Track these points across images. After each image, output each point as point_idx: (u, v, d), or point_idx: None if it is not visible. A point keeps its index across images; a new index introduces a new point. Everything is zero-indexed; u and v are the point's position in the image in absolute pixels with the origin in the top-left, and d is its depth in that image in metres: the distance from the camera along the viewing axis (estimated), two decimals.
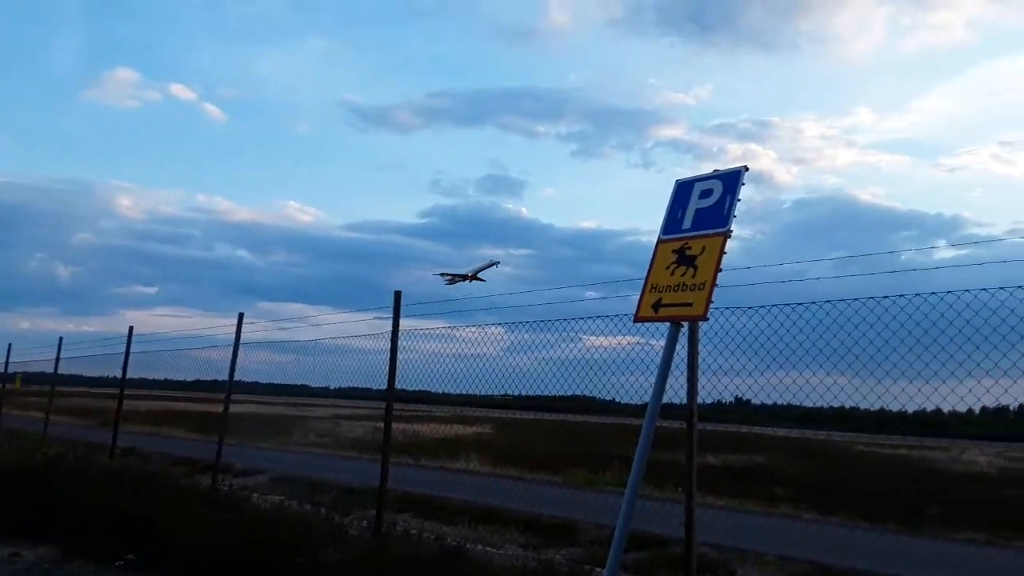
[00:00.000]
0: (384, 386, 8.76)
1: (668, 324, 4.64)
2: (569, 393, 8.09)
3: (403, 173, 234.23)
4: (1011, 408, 5.76)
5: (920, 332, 4.91)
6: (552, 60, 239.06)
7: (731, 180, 4.64)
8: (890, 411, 5.70)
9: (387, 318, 8.86)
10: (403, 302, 8.73)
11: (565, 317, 8.05)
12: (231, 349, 11.89)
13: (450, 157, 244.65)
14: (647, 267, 4.86)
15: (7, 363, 27.82)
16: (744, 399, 6.70)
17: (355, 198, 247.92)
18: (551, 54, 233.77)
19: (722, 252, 4.43)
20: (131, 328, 15.56)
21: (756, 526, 11.65)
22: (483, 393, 8.90)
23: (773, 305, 5.72)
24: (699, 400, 5.66)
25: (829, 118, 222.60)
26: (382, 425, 8.78)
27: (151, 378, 19.18)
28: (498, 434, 33.28)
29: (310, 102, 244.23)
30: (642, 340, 6.61)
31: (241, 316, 11.89)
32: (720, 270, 4.39)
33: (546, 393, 8.21)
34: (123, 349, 15.65)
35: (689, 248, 4.62)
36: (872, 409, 5.76)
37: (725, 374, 6.06)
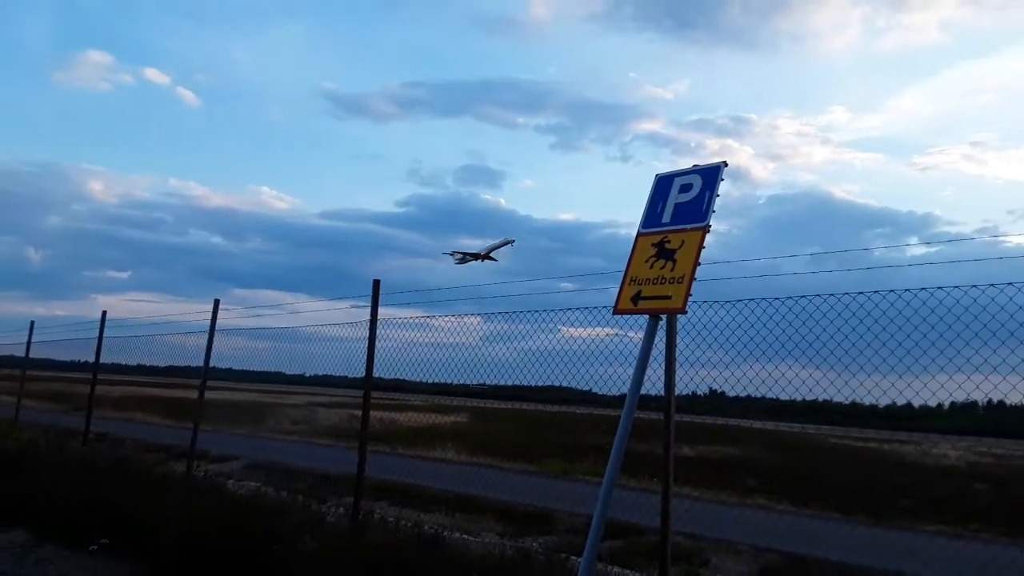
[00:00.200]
0: (360, 374, 8.74)
1: (647, 317, 4.68)
2: (546, 383, 8.12)
3: (381, 162, 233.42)
4: (980, 403, 5.87)
5: (894, 328, 4.99)
6: (532, 53, 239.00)
7: (710, 175, 4.67)
8: (862, 404, 5.78)
9: (365, 307, 8.84)
10: (381, 291, 8.72)
11: (542, 308, 8.06)
12: (206, 335, 11.80)
13: (428, 147, 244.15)
14: (625, 260, 4.88)
15: None
16: (719, 391, 6.76)
17: (332, 186, 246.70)
18: (531, 47, 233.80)
19: (701, 246, 4.46)
20: (104, 313, 15.38)
21: (730, 517, 11.78)
22: (460, 382, 8.90)
23: (750, 299, 5.78)
24: (675, 392, 5.70)
25: (805, 116, 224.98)
26: (357, 413, 8.77)
27: (124, 363, 18.94)
28: (475, 423, 33.35)
29: (286, 88, 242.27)
30: (619, 332, 6.65)
31: (217, 302, 11.79)
32: (699, 264, 4.43)
33: (523, 383, 8.24)
34: (95, 334, 15.48)
35: (668, 242, 4.65)
36: (844, 402, 5.84)
37: (703, 366, 6.12)
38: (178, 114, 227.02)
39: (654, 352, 4.76)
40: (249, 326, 12.51)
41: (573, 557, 6.85)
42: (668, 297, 4.46)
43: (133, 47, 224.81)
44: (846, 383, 5.36)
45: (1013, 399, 4.75)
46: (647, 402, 5.31)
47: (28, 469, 9.48)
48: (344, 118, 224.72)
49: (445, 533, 8.08)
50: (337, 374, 11.01)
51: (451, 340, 8.76)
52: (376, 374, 8.66)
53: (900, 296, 4.96)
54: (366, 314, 8.73)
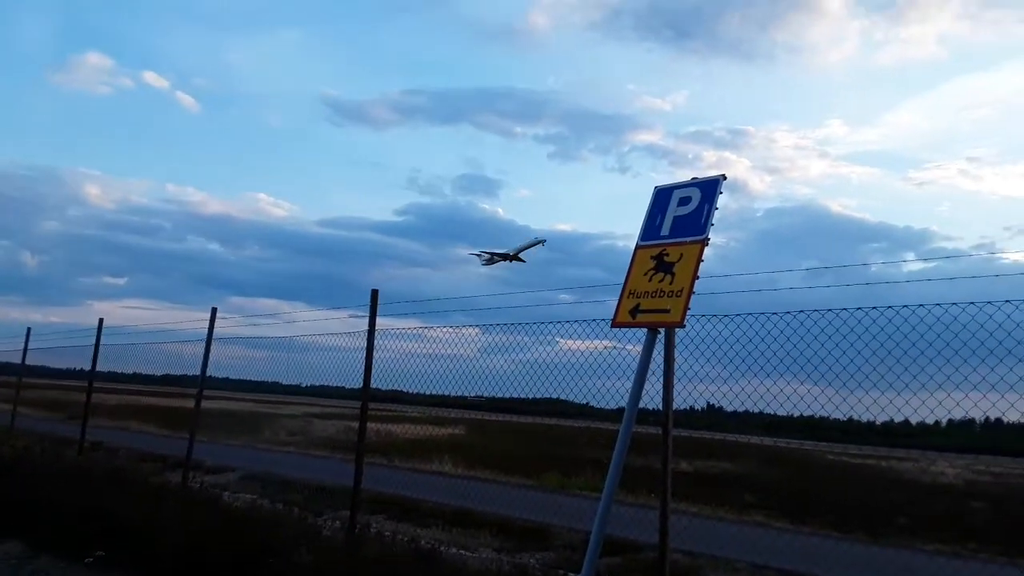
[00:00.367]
0: (357, 385, 8.72)
1: (645, 330, 4.67)
2: (542, 396, 8.10)
3: (379, 169, 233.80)
4: (978, 421, 5.86)
5: (891, 344, 4.99)
6: (531, 62, 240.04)
7: (709, 188, 4.68)
8: (859, 421, 5.77)
9: (363, 316, 8.83)
10: (379, 301, 8.71)
11: (540, 320, 8.06)
12: (203, 344, 11.78)
13: (427, 155, 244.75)
14: (622, 271, 4.89)
15: None
16: (716, 406, 6.76)
17: (330, 193, 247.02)
18: (530, 56, 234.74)
19: (700, 259, 4.47)
20: (101, 320, 15.38)
21: (728, 533, 11.72)
22: (457, 394, 8.88)
23: (748, 314, 5.78)
24: (673, 406, 5.69)
25: (803, 129, 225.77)
26: (354, 424, 8.74)
27: (120, 371, 18.90)
28: (472, 436, 33.24)
29: (285, 94, 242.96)
30: (617, 344, 6.64)
31: (214, 311, 11.78)
32: (697, 277, 4.43)
33: (520, 395, 8.22)
34: (92, 341, 15.45)
35: (667, 255, 4.65)
36: (842, 419, 5.83)
37: (701, 381, 6.12)
38: (177, 118, 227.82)
39: (652, 366, 4.76)
40: (247, 335, 12.50)
41: (571, 574, 6.82)
42: (667, 311, 4.46)
43: (133, 50, 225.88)
44: (843, 400, 5.36)
45: (1011, 417, 4.75)
46: (644, 416, 5.31)
47: (23, 478, 9.43)
48: (343, 124, 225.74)
49: (442, 548, 8.04)
50: (334, 384, 11.00)
51: (449, 351, 8.75)
52: (373, 385, 8.64)
53: (898, 312, 4.97)
54: (364, 324, 8.73)
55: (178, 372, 14.07)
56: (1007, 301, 4.52)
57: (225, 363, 12.67)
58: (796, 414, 5.82)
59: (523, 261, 58.06)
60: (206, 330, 11.75)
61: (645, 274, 4.70)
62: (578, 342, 7.43)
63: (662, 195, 4.95)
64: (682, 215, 4.72)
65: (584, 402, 8.09)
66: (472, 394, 8.79)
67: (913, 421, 5.17)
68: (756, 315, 5.70)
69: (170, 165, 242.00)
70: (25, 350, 21.20)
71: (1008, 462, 43.43)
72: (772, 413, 5.95)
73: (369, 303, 8.67)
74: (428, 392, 9.34)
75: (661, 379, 5.61)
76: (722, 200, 4.60)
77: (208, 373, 11.86)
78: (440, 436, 29.20)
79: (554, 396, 8.09)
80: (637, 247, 4.88)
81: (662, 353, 5.62)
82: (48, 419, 24.28)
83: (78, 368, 19.38)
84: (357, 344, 8.90)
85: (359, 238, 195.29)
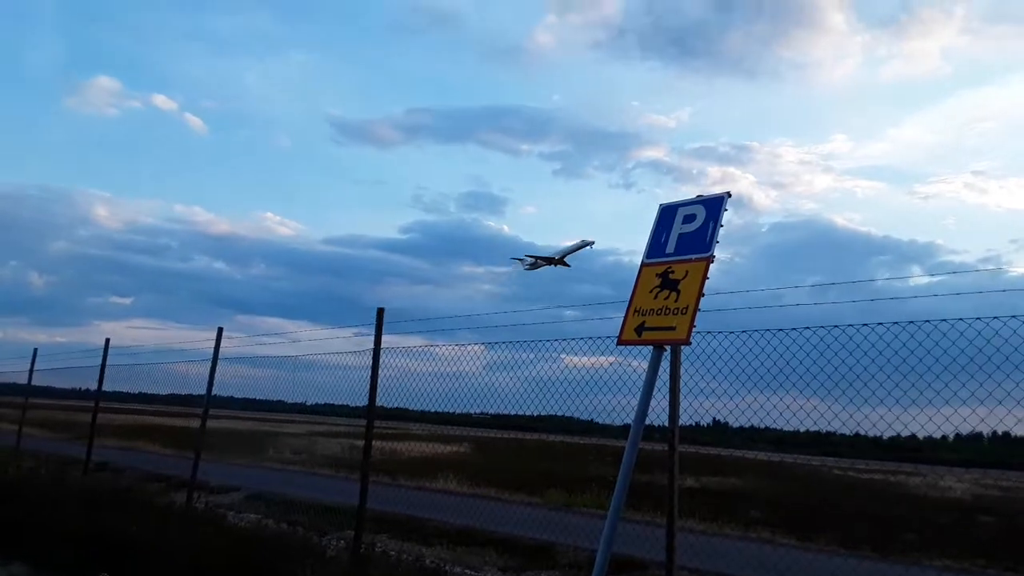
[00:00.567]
0: (362, 403, 8.71)
1: (651, 347, 4.67)
2: (547, 413, 8.09)
3: (384, 188, 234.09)
4: (985, 435, 5.84)
5: (898, 360, 4.98)
6: (536, 80, 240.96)
7: (714, 206, 4.69)
8: (866, 436, 5.75)
9: (368, 335, 8.84)
10: (384, 319, 8.72)
11: (545, 339, 8.05)
12: (208, 363, 11.78)
13: (432, 173, 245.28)
14: (626, 287, 4.90)
15: None
16: (722, 422, 6.73)
17: (336, 212, 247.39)
18: (535, 74, 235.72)
19: (705, 277, 4.47)
20: (107, 340, 15.41)
21: (734, 550, 11.65)
22: (462, 411, 8.87)
23: (754, 331, 5.77)
24: (679, 422, 5.68)
25: (807, 144, 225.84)
26: (358, 443, 8.72)
27: (125, 391, 18.91)
28: (477, 453, 33.13)
29: (291, 115, 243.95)
30: (622, 360, 6.63)
31: (220, 331, 11.79)
32: (703, 295, 4.43)
33: (525, 412, 8.21)
34: (98, 362, 15.47)
35: (672, 272, 4.65)
36: (848, 434, 5.81)
37: (707, 397, 6.10)
38: (185, 140, 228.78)
39: (657, 383, 4.75)
40: (252, 354, 12.49)
41: None
42: (672, 328, 4.46)
43: (142, 73, 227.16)
44: (851, 416, 5.34)
45: (1019, 431, 4.73)
46: (650, 432, 5.30)
47: (29, 499, 9.42)
48: (348, 144, 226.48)
49: (447, 567, 8.00)
50: (339, 403, 10.99)
51: (454, 369, 8.75)
52: (378, 402, 8.64)
53: (904, 328, 4.96)
54: (369, 342, 8.74)
55: (183, 391, 14.06)
56: (1013, 316, 4.52)
57: (230, 382, 12.65)
58: (802, 429, 5.80)
59: (568, 266, 54.30)
60: (212, 349, 11.76)
61: (651, 291, 4.70)
62: (583, 358, 7.43)
63: (667, 213, 4.96)
64: (687, 233, 4.73)
65: (588, 418, 8.07)
66: (477, 411, 8.78)
67: (920, 436, 5.15)
68: (763, 332, 5.70)
69: (178, 186, 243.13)
70: (31, 371, 21.25)
71: (1016, 476, 43.10)
72: (778, 428, 5.93)
73: (375, 321, 8.68)
74: (433, 409, 9.33)
75: (667, 396, 5.60)
76: (727, 215, 4.61)
77: (213, 392, 11.86)
78: (445, 454, 29.12)
79: (559, 413, 8.07)
80: (642, 265, 4.89)
81: (668, 370, 5.62)
82: (54, 439, 24.24)
83: (84, 388, 19.42)
84: (362, 362, 8.91)
85: (364, 256, 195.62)
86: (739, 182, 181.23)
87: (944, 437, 5.23)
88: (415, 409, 9.75)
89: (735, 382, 5.94)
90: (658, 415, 5.48)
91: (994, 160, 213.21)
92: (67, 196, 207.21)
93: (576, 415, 8.09)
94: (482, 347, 8.95)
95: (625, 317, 4.79)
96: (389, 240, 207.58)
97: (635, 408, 4.61)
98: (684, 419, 5.79)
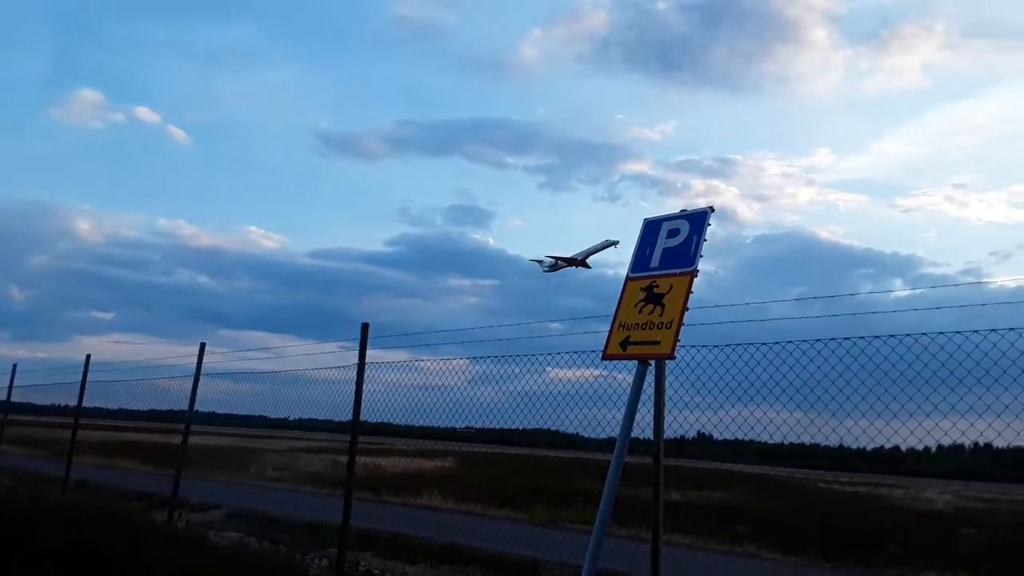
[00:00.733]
0: (345, 418, 8.65)
1: (635, 361, 4.68)
2: (532, 427, 8.06)
3: (370, 201, 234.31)
4: (967, 447, 5.89)
5: (879, 374, 5.01)
6: (521, 94, 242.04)
7: (698, 220, 4.72)
8: (849, 448, 5.77)
9: (352, 349, 8.79)
10: (369, 334, 8.68)
11: (530, 353, 8.03)
12: (190, 379, 11.67)
13: (418, 186, 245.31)
14: (609, 300, 4.92)
15: None
16: (707, 434, 6.74)
17: (321, 225, 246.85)
18: (520, 88, 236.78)
19: (689, 291, 4.49)
20: (88, 356, 15.24)
21: (720, 565, 11.64)
22: (446, 425, 8.83)
23: (738, 344, 5.79)
24: (664, 436, 5.68)
25: (790, 157, 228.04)
26: (342, 459, 8.66)
27: (105, 407, 18.69)
28: (461, 468, 32.97)
29: (276, 127, 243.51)
30: (607, 374, 6.63)
31: (203, 346, 11.71)
32: (687, 309, 4.45)
33: (509, 426, 8.18)
34: (78, 378, 15.29)
35: (657, 286, 4.67)
36: (832, 446, 5.83)
37: (691, 411, 6.10)
38: (169, 152, 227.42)
39: (642, 397, 4.75)
40: (236, 369, 12.38)
41: None
42: (657, 342, 4.47)
43: (125, 86, 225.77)
44: (833, 430, 5.36)
45: (1000, 443, 4.77)
46: (634, 445, 5.29)
47: (7, 517, 9.26)
48: (334, 157, 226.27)
49: None
50: (322, 418, 10.91)
51: (438, 382, 8.71)
52: (362, 417, 8.58)
53: (885, 342, 5.00)
54: (354, 356, 8.69)
55: (164, 407, 13.93)
56: (993, 330, 4.56)
57: (212, 397, 12.54)
58: (787, 442, 5.81)
59: (588, 267, 52.44)
60: (194, 365, 11.66)
61: (635, 306, 4.72)
62: (568, 371, 7.42)
63: (651, 227, 4.98)
64: (671, 247, 4.76)
65: (573, 432, 8.06)
66: (462, 425, 8.75)
67: (903, 447, 5.19)
68: (746, 345, 5.72)
69: (161, 199, 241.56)
70: (11, 387, 20.96)
71: (998, 488, 43.46)
72: (762, 441, 5.95)
73: (359, 336, 8.64)
74: (418, 424, 9.28)
75: (651, 410, 5.60)
76: (711, 228, 4.65)
77: (195, 407, 11.74)
78: (429, 469, 28.96)
79: (544, 427, 8.05)
80: (627, 279, 4.90)
81: (652, 384, 5.62)
82: (33, 456, 23.91)
83: (63, 404, 19.17)
84: (346, 376, 8.86)
85: (349, 269, 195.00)
86: (723, 195, 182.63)
87: (927, 449, 5.27)
88: (399, 424, 9.69)
89: (719, 395, 5.95)
90: (643, 428, 5.48)
91: (975, 173, 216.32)
92: (49, 209, 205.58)
93: (561, 429, 8.08)
94: (467, 361, 8.93)
95: (610, 331, 4.80)
96: (375, 253, 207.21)
97: (620, 422, 4.61)
98: (669, 432, 5.79)
